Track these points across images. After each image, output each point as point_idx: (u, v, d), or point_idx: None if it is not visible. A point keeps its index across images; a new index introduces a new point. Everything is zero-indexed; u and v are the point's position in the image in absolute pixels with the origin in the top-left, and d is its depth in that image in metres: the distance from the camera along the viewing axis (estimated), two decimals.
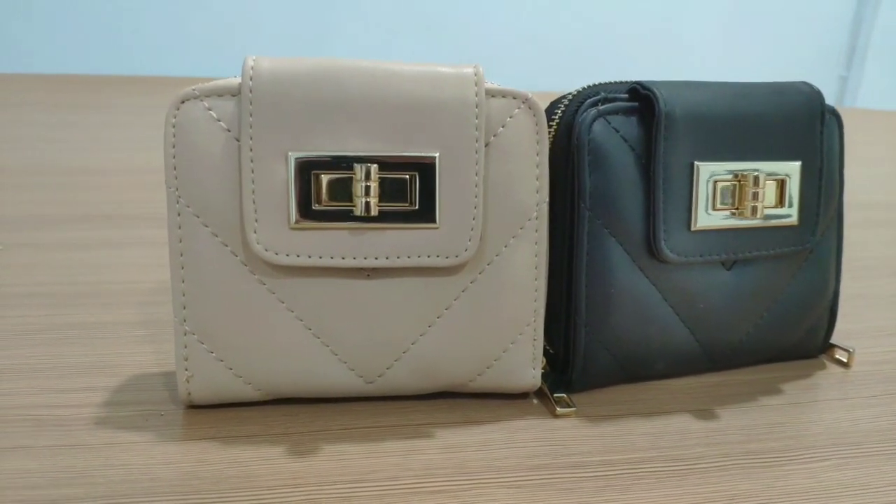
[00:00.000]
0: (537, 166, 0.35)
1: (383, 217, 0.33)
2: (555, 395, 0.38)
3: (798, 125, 0.39)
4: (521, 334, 0.37)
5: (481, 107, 0.34)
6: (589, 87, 0.38)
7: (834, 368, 0.44)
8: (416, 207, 0.34)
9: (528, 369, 0.37)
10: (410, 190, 0.34)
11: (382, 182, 0.33)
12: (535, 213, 0.36)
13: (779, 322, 0.42)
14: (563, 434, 0.36)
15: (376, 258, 0.34)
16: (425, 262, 0.34)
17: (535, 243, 0.36)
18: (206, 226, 0.33)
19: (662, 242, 0.37)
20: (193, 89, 0.33)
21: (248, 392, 0.35)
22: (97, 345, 0.41)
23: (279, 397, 0.36)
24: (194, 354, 0.34)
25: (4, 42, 1.72)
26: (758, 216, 0.38)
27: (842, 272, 0.44)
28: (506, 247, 0.36)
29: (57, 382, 0.37)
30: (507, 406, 0.38)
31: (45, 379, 0.38)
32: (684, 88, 0.37)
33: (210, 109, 0.33)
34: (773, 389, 0.41)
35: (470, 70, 0.34)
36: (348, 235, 0.33)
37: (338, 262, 0.33)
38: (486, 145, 0.35)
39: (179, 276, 0.34)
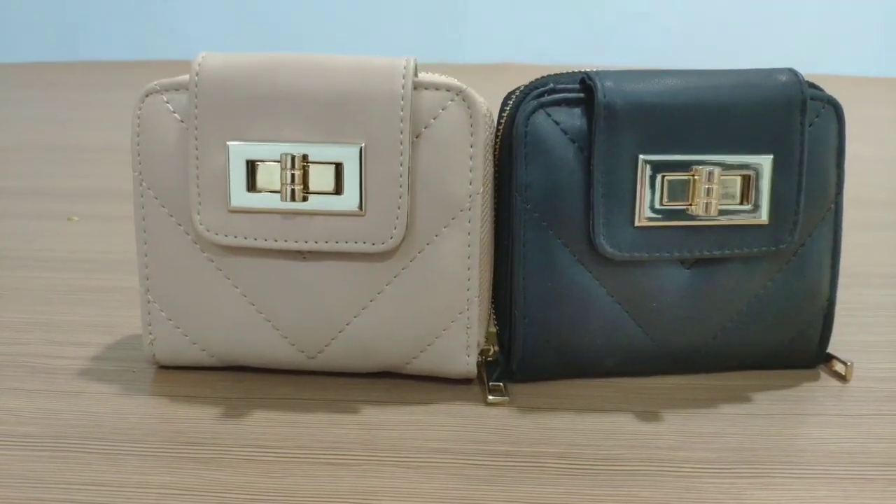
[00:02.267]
0: (471, 158, 0.36)
1: (313, 203, 0.36)
2: (490, 383, 0.38)
3: (770, 116, 0.36)
4: (453, 321, 0.37)
5: (407, 99, 0.35)
6: (544, 77, 0.38)
7: (828, 381, 0.41)
8: (343, 195, 0.35)
9: (461, 356, 0.38)
10: (338, 178, 0.35)
11: (311, 170, 0.35)
12: (468, 205, 0.36)
13: (753, 327, 0.39)
14: (485, 422, 0.36)
15: (306, 242, 0.36)
16: (353, 247, 0.36)
17: (468, 234, 0.36)
18: (164, 207, 0.37)
19: (601, 238, 0.36)
20: (155, 84, 0.37)
21: (203, 358, 0.39)
22: (109, 307, 0.47)
23: (232, 365, 0.40)
24: (156, 321, 0.39)
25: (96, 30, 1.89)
26: (711, 213, 0.36)
27: (838, 277, 0.40)
28: (437, 236, 0.36)
29: (62, 337, 0.44)
30: (445, 390, 0.39)
31: (53, 333, 0.44)
32: (637, 78, 0.36)
33: (168, 102, 0.37)
34: (739, 398, 0.39)
35: (401, 62, 0.35)
36: (280, 219, 0.36)
37: (271, 244, 0.36)
38: (418, 136, 0.36)
39: (143, 250, 0.38)
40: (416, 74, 0.36)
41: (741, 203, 0.37)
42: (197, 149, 0.36)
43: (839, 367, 0.41)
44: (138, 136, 0.37)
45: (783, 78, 0.36)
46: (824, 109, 0.38)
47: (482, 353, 0.40)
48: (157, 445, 0.34)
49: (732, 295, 0.38)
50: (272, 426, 0.35)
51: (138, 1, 1.91)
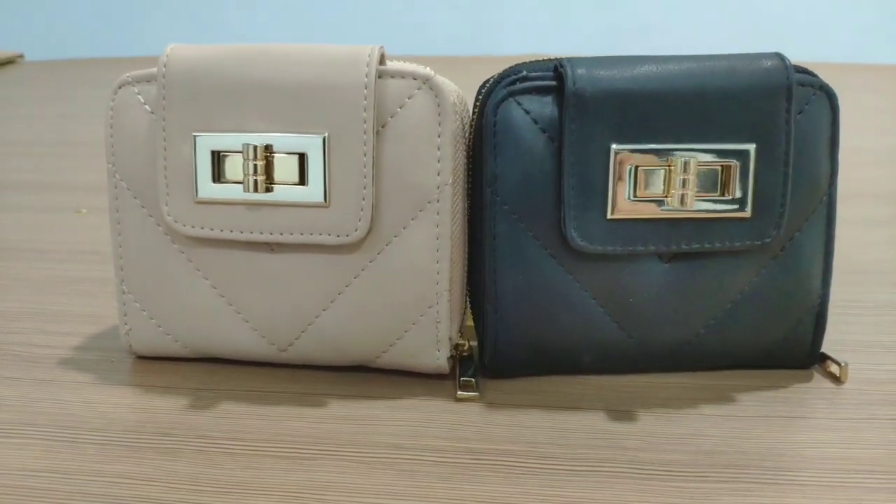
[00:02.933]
0: (439, 148, 0.35)
1: (278, 194, 0.35)
2: (462, 379, 0.38)
3: (753, 103, 0.34)
4: (422, 316, 0.37)
5: (370, 88, 0.34)
6: (519, 64, 0.37)
7: (821, 382, 0.39)
8: (308, 186, 0.35)
9: (431, 351, 0.37)
10: (302, 169, 0.35)
11: (275, 161, 0.35)
12: (437, 196, 0.35)
13: (739, 325, 0.37)
14: (451, 418, 0.35)
15: (271, 233, 0.36)
16: (318, 239, 0.35)
17: (437, 226, 0.36)
18: (136, 198, 0.38)
19: (572, 231, 0.35)
20: (128, 76, 0.37)
21: (177, 349, 0.39)
22: (102, 297, 0.48)
23: (205, 356, 0.40)
24: (131, 311, 0.39)
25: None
26: (687, 205, 0.34)
27: (832, 273, 0.38)
28: (404, 228, 0.36)
29: (53, 327, 0.44)
30: (416, 385, 0.38)
31: (44, 323, 0.45)
32: (612, 65, 0.35)
33: (139, 94, 0.37)
34: (723, 398, 0.37)
35: (366, 50, 0.35)
36: (246, 211, 0.36)
37: (237, 235, 0.36)
38: (384, 126, 0.35)
39: (117, 241, 0.38)
40: (383, 63, 0.35)
41: (721, 195, 0.35)
42: (165, 140, 0.36)
43: (834, 368, 0.39)
44: (111, 127, 0.37)
45: (768, 63, 0.35)
46: (815, 96, 0.36)
47: (457, 347, 0.39)
48: (119, 435, 0.34)
49: (715, 291, 0.37)
50: (235, 418, 0.35)
51: None
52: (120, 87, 0.37)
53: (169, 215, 0.36)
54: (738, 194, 0.35)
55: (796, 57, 0.36)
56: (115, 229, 0.38)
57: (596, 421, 0.35)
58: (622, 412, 0.36)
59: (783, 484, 0.31)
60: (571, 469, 0.32)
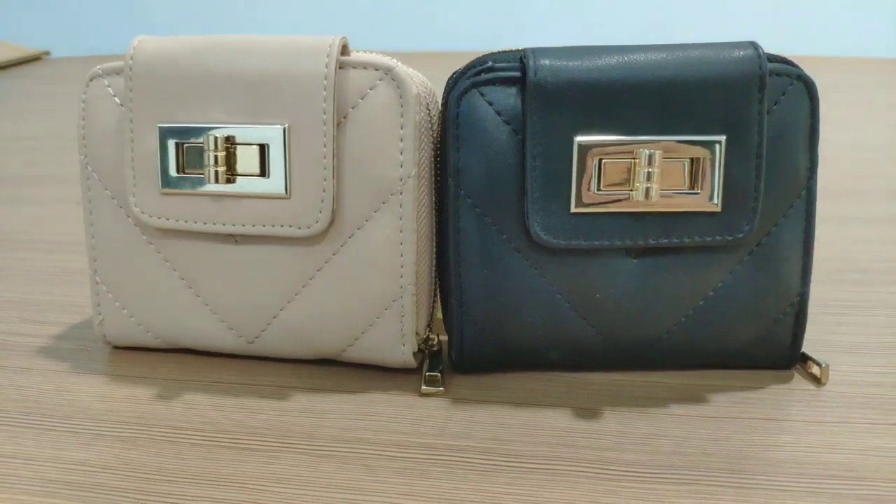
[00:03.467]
0: (401, 140, 0.35)
1: (240, 185, 0.35)
2: (427, 374, 0.37)
3: (723, 93, 0.33)
4: (386, 309, 0.36)
5: (329, 78, 0.34)
6: (488, 54, 0.36)
7: (801, 384, 0.37)
8: (268, 178, 0.35)
9: (397, 345, 0.37)
10: (262, 161, 0.35)
11: (238, 152, 0.35)
12: (400, 189, 0.35)
13: (712, 323, 0.36)
14: (412, 413, 0.35)
15: (234, 225, 0.36)
16: (279, 231, 0.35)
17: (400, 219, 0.35)
18: (107, 189, 0.38)
19: (535, 225, 0.34)
20: (99, 68, 0.37)
21: (149, 339, 0.40)
22: (87, 288, 0.49)
23: (177, 347, 0.40)
24: (104, 302, 0.39)
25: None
26: (652, 198, 0.33)
27: (811, 271, 0.37)
28: (367, 221, 0.35)
29: (35, 315, 0.45)
30: (383, 379, 0.38)
31: (29, 312, 0.46)
32: (577, 55, 0.34)
33: (109, 86, 0.37)
34: (695, 398, 0.36)
35: (327, 41, 0.34)
36: (209, 202, 0.36)
37: (200, 226, 0.36)
38: (345, 117, 0.35)
39: (90, 232, 0.39)
40: (346, 53, 0.35)
41: (689, 188, 0.34)
42: (132, 131, 0.36)
43: (815, 370, 0.38)
44: (83, 119, 0.38)
45: (739, 52, 0.33)
46: (792, 86, 0.34)
47: (426, 342, 0.38)
48: (83, 423, 0.34)
49: (686, 288, 0.36)
50: (198, 409, 0.36)
51: None
52: (91, 80, 0.37)
53: (136, 206, 0.37)
54: (707, 188, 0.34)
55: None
56: (87, 220, 0.39)
57: (560, 418, 0.35)
58: (587, 410, 0.35)
59: (746, 487, 0.30)
60: (528, 467, 0.31)
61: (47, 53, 1.86)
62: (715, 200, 0.34)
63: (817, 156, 0.36)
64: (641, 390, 0.37)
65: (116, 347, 0.41)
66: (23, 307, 0.46)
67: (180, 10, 1.98)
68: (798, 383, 0.37)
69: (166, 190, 0.36)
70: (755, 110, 0.33)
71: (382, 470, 0.31)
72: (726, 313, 0.36)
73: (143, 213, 0.36)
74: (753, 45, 0.34)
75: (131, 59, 0.36)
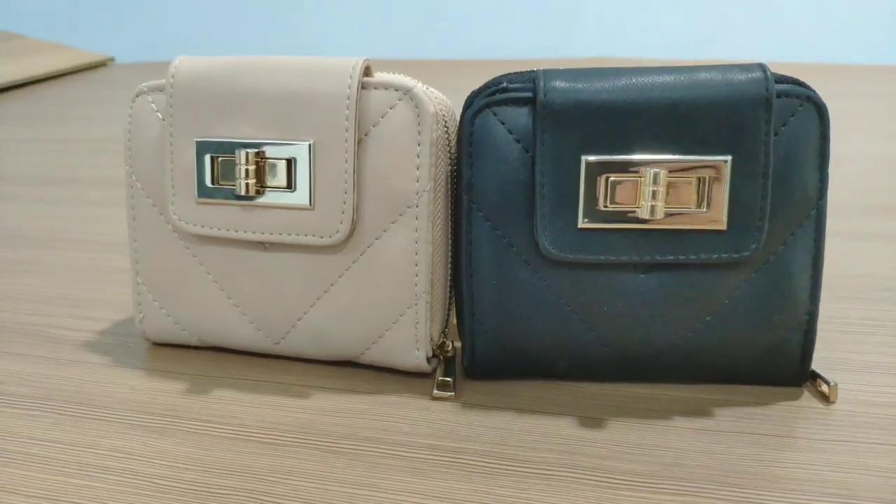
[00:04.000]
0: (418, 156, 0.37)
1: (268, 197, 0.38)
2: (440, 378, 0.39)
3: (729, 115, 0.34)
4: (402, 316, 0.38)
5: (352, 98, 0.36)
6: (503, 75, 0.38)
7: (810, 402, 0.38)
8: (295, 190, 0.37)
9: (411, 350, 0.39)
10: (290, 174, 0.37)
11: (267, 166, 0.37)
12: (416, 202, 0.37)
13: (719, 338, 0.37)
14: (423, 415, 0.37)
15: (262, 233, 0.38)
16: (304, 240, 0.38)
17: (416, 231, 0.37)
18: (149, 198, 0.41)
19: (544, 239, 0.36)
20: (144, 86, 0.41)
21: (186, 337, 0.42)
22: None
23: (210, 346, 0.43)
24: (144, 301, 0.42)
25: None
26: (657, 216, 0.34)
27: (820, 289, 0.37)
28: (384, 232, 0.37)
29: (84, 311, 0.49)
30: (399, 382, 0.40)
31: (78, 308, 0.49)
32: (588, 77, 0.35)
33: (152, 102, 0.40)
34: (700, 412, 0.37)
35: (351, 63, 0.37)
36: (240, 211, 0.38)
37: (232, 234, 0.39)
38: (366, 135, 0.37)
39: (133, 236, 0.42)
40: (369, 75, 0.37)
41: (696, 207, 0.35)
42: (171, 144, 0.39)
43: (824, 388, 0.38)
44: (129, 133, 0.41)
45: (746, 74, 0.34)
46: (801, 107, 0.35)
47: (441, 347, 0.40)
48: (119, 413, 0.37)
49: (693, 304, 0.36)
50: (225, 404, 0.38)
51: (263, 2, 2.04)
52: (137, 96, 0.40)
53: (174, 214, 0.39)
54: (712, 207, 0.35)
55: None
56: (130, 225, 0.42)
57: (564, 426, 0.36)
58: (592, 419, 0.36)
59: (740, 502, 0.31)
60: (527, 471, 0.33)
61: (112, 59, 1.95)
62: (721, 219, 0.35)
63: (827, 175, 0.36)
64: (647, 402, 0.38)
65: (155, 344, 0.44)
66: (73, 303, 0.50)
67: (242, 16, 2.05)
68: (807, 401, 0.38)
69: (202, 199, 0.39)
70: (762, 131, 0.34)
71: (388, 468, 0.33)
72: (733, 329, 0.37)
73: (180, 220, 0.39)
74: (762, 68, 0.34)
75: (172, 77, 0.39)
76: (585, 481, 0.32)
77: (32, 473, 0.33)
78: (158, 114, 0.40)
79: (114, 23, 2.09)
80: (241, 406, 0.38)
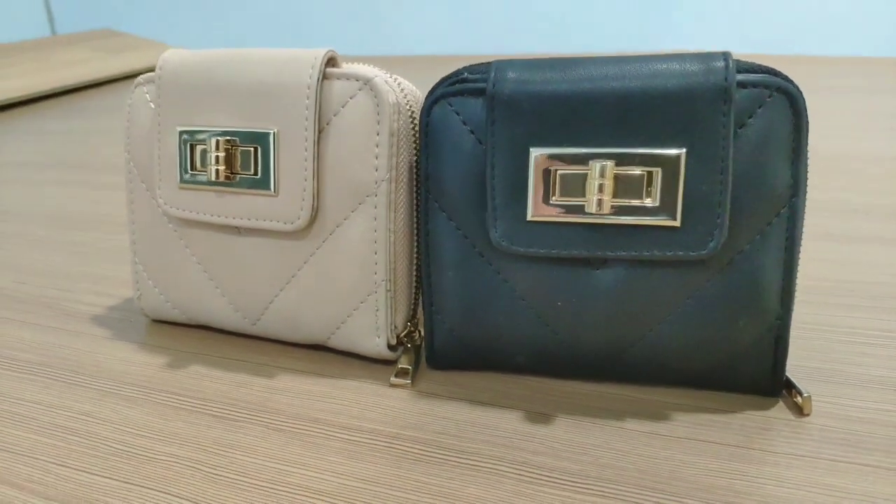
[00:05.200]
0: (377, 146, 0.37)
1: (239, 183, 0.39)
2: (400, 366, 0.39)
3: (684, 105, 0.32)
4: (362, 303, 0.39)
5: (312, 88, 0.37)
6: (467, 66, 0.38)
7: (783, 413, 0.35)
8: (259, 176, 0.39)
9: (371, 337, 0.39)
10: (255, 161, 0.39)
11: (239, 153, 0.39)
12: (375, 191, 0.37)
13: (678, 339, 0.35)
14: (377, 401, 0.37)
15: (234, 218, 0.40)
16: (269, 225, 0.39)
17: (374, 219, 0.38)
18: (143, 182, 0.44)
19: (495, 231, 0.35)
20: (140, 78, 0.43)
21: (177, 315, 0.45)
22: None
23: (198, 324, 0.45)
24: (141, 279, 0.45)
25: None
26: (604, 210, 0.33)
27: (793, 293, 0.35)
28: (345, 219, 0.38)
29: (102, 288, 0.52)
30: (364, 368, 0.41)
31: (98, 285, 0.53)
32: (541, 68, 0.34)
33: (147, 93, 0.43)
34: (656, 415, 0.36)
35: (314, 54, 0.38)
36: (215, 196, 0.40)
37: (208, 217, 0.41)
38: (328, 124, 0.38)
39: (131, 218, 0.45)
40: (335, 66, 0.38)
41: (646, 201, 0.34)
42: (159, 133, 0.41)
43: (798, 399, 0.35)
44: (128, 121, 0.44)
45: (704, 64, 0.32)
46: (771, 98, 0.33)
47: (409, 336, 0.41)
48: (101, 381, 0.40)
49: (651, 303, 0.35)
50: (197, 379, 0.40)
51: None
52: (135, 87, 0.43)
53: (161, 198, 0.42)
54: (664, 202, 0.33)
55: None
56: (129, 208, 0.45)
57: (509, 420, 0.36)
58: (541, 415, 0.36)
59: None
60: (457, 461, 0.33)
61: None
62: (674, 215, 0.33)
63: (801, 172, 0.34)
64: (604, 401, 0.37)
65: (155, 321, 0.47)
66: (94, 280, 0.54)
67: (330, 14, 2.11)
68: (779, 412, 0.36)
69: (183, 185, 0.41)
70: (719, 123, 0.32)
71: (324, 448, 0.34)
72: (696, 332, 0.35)
73: (165, 204, 0.42)
74: (723, 57, 0.33)
75: (160, 69, 0.41)
76: (510, 475, 0.32)
77: (8, 429, 0.36)
78: (151, 104, 0.42)
79: (206, 21, 2.21)
80: (210, 382, 0.40)
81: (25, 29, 2.26)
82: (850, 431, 0.34)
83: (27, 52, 1.60)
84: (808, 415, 0.35)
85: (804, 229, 0.59)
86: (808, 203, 0.65)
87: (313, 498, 0.31)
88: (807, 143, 0.34)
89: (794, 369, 0.39)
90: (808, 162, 0.36)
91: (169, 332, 0.46)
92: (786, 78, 0.33)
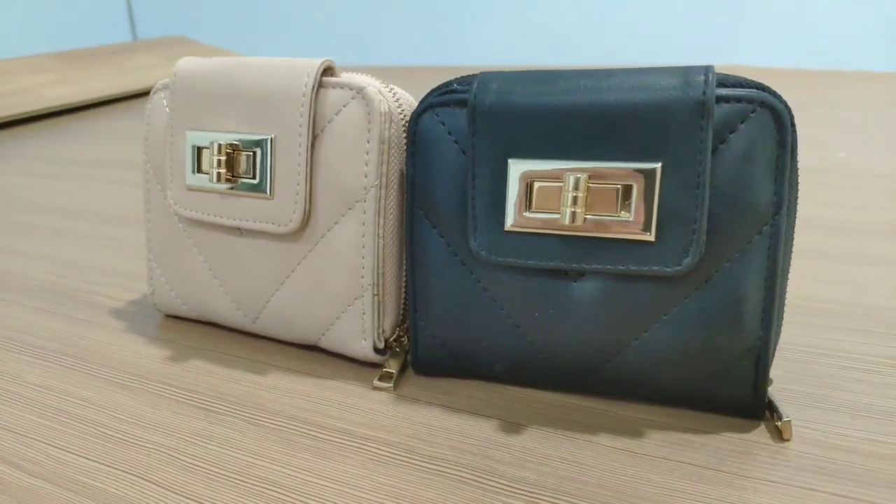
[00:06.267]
0: (367, 153, 0.38)
1: (240, 186, 0.41)
2: (384, 370, 0.40)
3: (661, 120, 0.32)
4: (350, 306, 0.40)
5: (307, 96, 0.38)
6: (459, 77, 0.38)
7: (763, 437, 0.35)
8: (257, 180, 0.40)
9: (358, 340, 0.40)
10: (254, 165, 0.40)
11: (241, 157, 0.41)
12: (364, 197, 0.38)
13: (655, 356, 0.35)
14: (358, 402, 0.38)
15: (233, 219, 0.42)
16: (265, 227, 0.41)
17: (363, 224, 0.39)
18: (158, 183, 0.46)
19: (473, 240, 0.36)
20: (159, 83, 0.46)
21: (185, 310, 0.47)
22: None
23: (206, 320, 0.47)
24: (154, 276, 0.48)
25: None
26: (577, 223, 0.33)
27: (773, 314, 0.34)
28: (336, 224, 0.39)
29: (129, 284, 0.55)
30: (352, 370, 0.42)
31: (129, 281, 0.56)
32: (520, 80, 0.35)
33: (164, 98, 0.45)
34: (630, 431, 0.35)
35: (311, 63, 0.39)
36: (218, 198, 0.42)
37: (212, 219, 0.42)
38: (322, 131, 0.39)
39: (147, 217, 0.47)
40: (333, 75, 0.39)
41: (620, 215, 0.33)
42: (171, 136, 0.44)
43: (779, 423, 0.34)
44: (147, 124, 0.46)
45: (683, 77, 0.32)
46: (754, 113, 0.32)
47: (398, 341, 0.41)
48: (103, 369, 0.42)
49: (628, 317, 0.35)
50: (193, 373, 0.42)
51: (421, 8, 2.13)
52: (154, 93, 0.46)
53: (170, 199, 0.44)
54: (639, 216, 0.33)
55: None
56: (145, 207, 0.47)
57: (483, 428, 0.36)
58: (515, 425, 0.36)
59: None
60: (421, 465, 0.33)
61: None
62: (648, 229, 0.33)
63: (785, 189, 0.33)
64: (580, 414, 0.37)
65: (168, 316, 0.49)
66: (124, 276, 0.57)
67: (398, 23, 2.15)
68: (759, 436, 0.35)
69: (190, 186, 0.43)
70: (697, 138, 0.32)
71: (295, 445, 0.35)
72: (672, 348, 0.35)
73: (175, 204, 0.44)
74: (704, 71, 0.32)
75: (174, 76, 0.43)
76: (470, 482, 0.32)
77: (13, 410, 0.38)
78: (167, 109, 0.45)
79: (279, 32, 2.29)
80: (205, 376, 0.42)
81: (108, 34, 2.38)
82: (827, 459, 0.33)
83: (104, 56, 1.70)
84: (787, 440, 0.34)
85: (806, 248, 0.57)
86: (820, 222, 0.63)
87: (275, 491, 0.32)
88: (794, 160, 0.33)
89: (785, 393, 0.38)
90: (800, 179, 0.35)
91: (179, 328, 0.48)
92: (773, 93, 0.33)
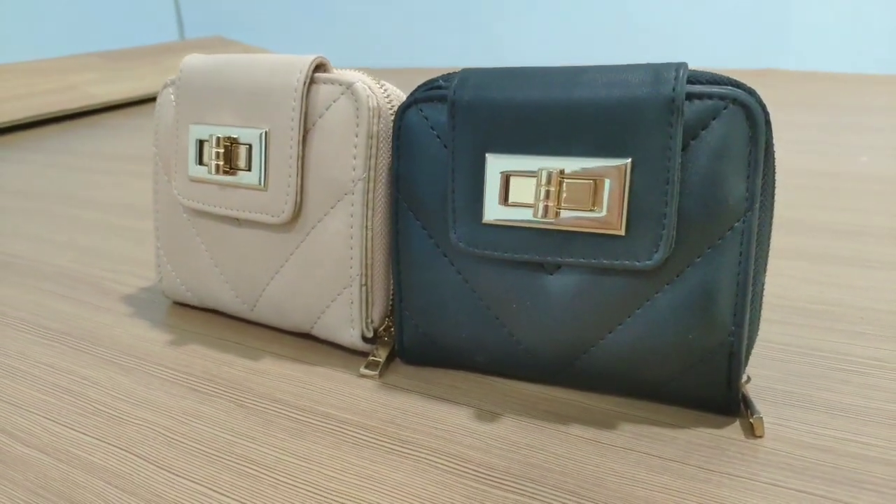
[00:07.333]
0: (355, 146, 0.39)
1: (237, 177, 0.43)
2: (371, 358, 0.41)
3: (631, 116, 0.32)
4: (339, 295, 0.41)
5: (298, 91, 0.40)
6: (445, 74, 0.39)
7: (735, 433, 0.35)
8: (252, 172, 0.42)
9: (346, 329, 0.42)
10: (249, 157, 0.42)
11: (239, 150, 0.42)
12: (352, 189, 0.40)
13: (628, 349, 0.35)
14: (343, 388, 0.39)
15: (231, 209, 0.43)
16: (259, 217, 0.42)
17: (351, 216, 0.40)
18: (165, 174, 0.48)
19: (453, 233, 0.37)
20: (168, 80, 0.48)
21: (189, 297, 0.49)
22: None
23: (208, 307, 0.49)
24: (162, 263, 0.50)
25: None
26: (550, 217, 0.34)
27: (747, 310, 0.34)
28: (325, 215, 0.41)
29: (145, 272, 0.57)
30: (342, 358, 0.43)
31: (142, 269, 0.58)
32: (497, 76, 0.35)
33: (171, 94, 0.47)
34: (601, 423, 0.36)
35: (303, 60, 0.40)
36: (217, 189, 0.44)
37: (212, 208, 0.44)
38: (313, 125, 0.40)
39: (155, 207, 0.49)
40: (325, 71, 0.41)
41: (591, 210, 0.34)
42: (177, 129, 0.46)
43: (752, 419, 0.34)
44: (156, 118, 0.48)
45: (654, 74, 0.32)
46: (727, 110, 0.32)
47: (385, 330, 0.43)
48: (105, 350, 0.44)
49: (602, 310, 0.35)
50: (190, 356, 0.44)
51: (461, 11, 2.14)
52: (164, 88, 0.48)
53: (175, 189, 0.46)
54: (610, 210, 0.33)
55: None
56: (154, 198, 0.49)
57: (458, 415, 0.37)
58: (490, 413, 0.37)
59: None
60: (392, 448, 0.34)
61: None
62: (618, 224, 0.33)
63: (758, 186, 0.33)
64: (554, 405, 0.37)
65: (175, 303, 0.51)
66: (139, 264, 0.59)
67: (424, 26, 2.17)
68: (732, 432, 0.35)
69: (191, 177, 0.45)
70: (666, 134, 0.32)
71: (276, 426, 0.36)
72: (644, 342, 0.35)
73: (179, 194, 0.46)
74: (676, 67, 0.33)
75: (181, 71, 0.45)
76: (438, 465, 0.33)
77: (16, 385, 0.41)
78: (174, 103, 0.47)
79: (318, 32, 2.32)
80: (200, 360, 0.43)
81: (156, 35, 2.46)
82: (796, 457, 0.33)
83: (147, 56, 1.75)
84: (760, 436, 0.34)
85: (805, 248, 0.56)
86: (818, 223, 0.61)
87: (250, 467, 0.33)
88: (769, 157, 0.33)
89: (766, 391, 0.38)
90: (776, 177, 0.35)
91: (184, 314, 0.50)
92: (748, 90, 0.33)
